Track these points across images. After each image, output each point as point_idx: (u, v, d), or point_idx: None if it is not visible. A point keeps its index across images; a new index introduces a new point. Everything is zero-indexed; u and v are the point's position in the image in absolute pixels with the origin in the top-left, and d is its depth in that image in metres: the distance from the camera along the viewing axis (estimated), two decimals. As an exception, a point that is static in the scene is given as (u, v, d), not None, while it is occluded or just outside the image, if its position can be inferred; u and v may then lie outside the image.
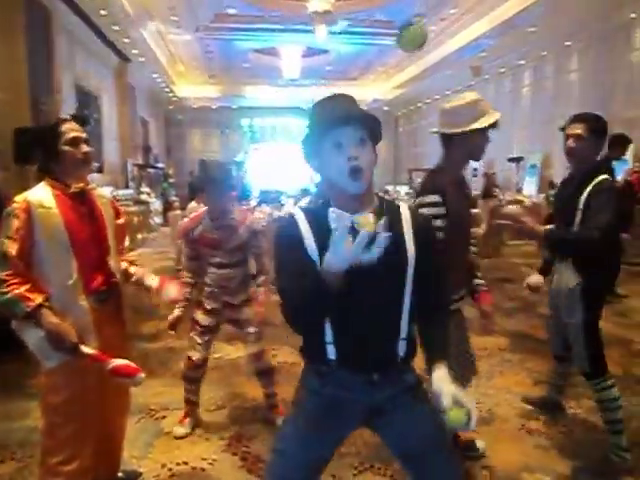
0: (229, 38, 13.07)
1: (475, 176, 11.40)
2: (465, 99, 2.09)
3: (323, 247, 1.27)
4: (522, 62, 12.96)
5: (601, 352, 2.46)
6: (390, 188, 15.64)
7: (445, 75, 14.70)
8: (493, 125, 2.08)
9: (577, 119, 2.43)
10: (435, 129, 2.18)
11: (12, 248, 1.83)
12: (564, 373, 2.95)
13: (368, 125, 1.37)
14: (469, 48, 12.28)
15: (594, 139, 2.39)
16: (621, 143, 5.47)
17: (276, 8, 10.94)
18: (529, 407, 3.07)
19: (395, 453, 1.54)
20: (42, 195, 1.92)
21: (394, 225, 1.38)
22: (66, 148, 1.95)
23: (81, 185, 2.01)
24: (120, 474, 2.39)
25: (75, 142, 1.97)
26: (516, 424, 2.86)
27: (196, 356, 2.85)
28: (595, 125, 2.40)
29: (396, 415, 1.45)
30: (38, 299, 1.82)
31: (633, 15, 9.15)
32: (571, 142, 2.41)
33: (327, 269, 1.21)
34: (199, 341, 2.85)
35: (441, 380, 1.35)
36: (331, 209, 1.33)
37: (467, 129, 2.04)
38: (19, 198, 1.90)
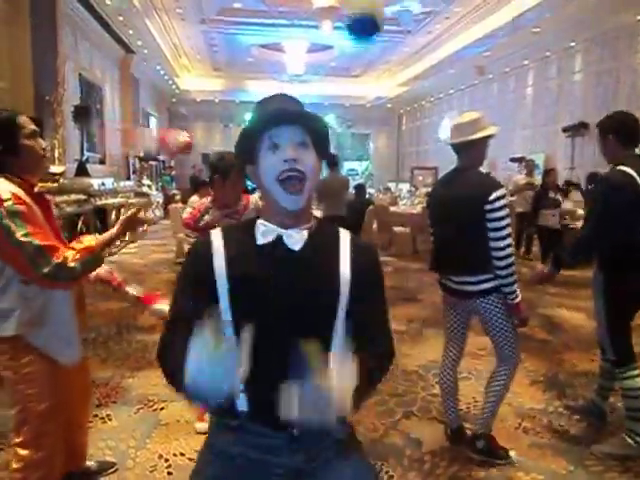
0: (234, 32, 13.06)
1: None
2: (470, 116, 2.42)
3: (238, 268, 1.13)
4: (526, 62, 12.94)
5: (626, 340, 2.51)
6: (392, 186, 15.64)
7: (449, 74, 14.70)
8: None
9: None
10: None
11: (42, 240, 1.69)
12: (610, 371, 2.77)
13: (312, 128, 1.16)
14: (473, 47, 12.27)
15: (600, 139, 2.63)
16: None
17: (281, 3, 10.93)
18: (526, 406, 3.08)
19: None
20: (15, 190, 1.72)
21: (329, 250, 1.19)
22: (27, 142, 1.80)
23: (48, 184, 1.91)
24: (92, 463, 2.36)
25: (34, 136, 1.83)
26: (513, 423, 2.87)
27: None
28: (600, 126, 2.64)
29: (321, 477, 1.17)
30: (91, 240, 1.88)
31: (638, 17, 9.14)
32: None
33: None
34: None
35: (336, 372, 0.94)
36: (259, 221, 1.18)
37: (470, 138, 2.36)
38: (4, 194, 1.68)
